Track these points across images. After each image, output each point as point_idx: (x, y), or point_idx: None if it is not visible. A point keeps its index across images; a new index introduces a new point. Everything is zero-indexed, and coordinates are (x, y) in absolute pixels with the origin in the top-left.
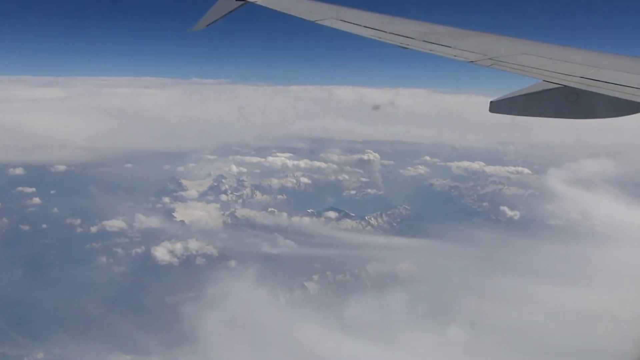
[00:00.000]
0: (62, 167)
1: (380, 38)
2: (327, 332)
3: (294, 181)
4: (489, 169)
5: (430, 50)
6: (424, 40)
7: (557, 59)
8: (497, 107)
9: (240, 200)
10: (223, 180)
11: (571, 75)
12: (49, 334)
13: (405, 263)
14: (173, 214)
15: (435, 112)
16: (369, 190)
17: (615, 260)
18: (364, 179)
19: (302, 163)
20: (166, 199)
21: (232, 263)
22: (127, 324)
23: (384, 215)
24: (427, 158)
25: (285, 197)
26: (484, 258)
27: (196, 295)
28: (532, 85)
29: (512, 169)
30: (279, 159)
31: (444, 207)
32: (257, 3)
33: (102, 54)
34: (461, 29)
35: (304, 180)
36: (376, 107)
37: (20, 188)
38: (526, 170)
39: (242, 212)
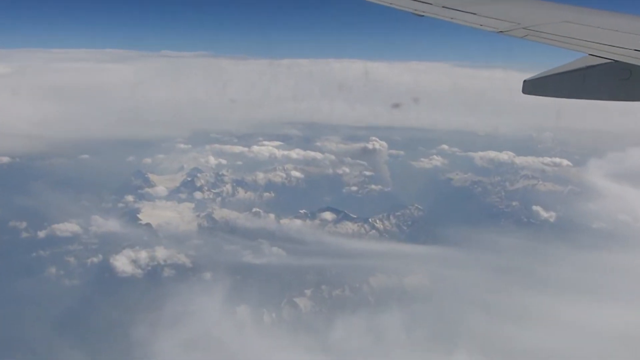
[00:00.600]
0: (4, 159)
1: (390, 4)
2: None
3: (284, 175)
4: (520, 160)
5: (452, 18)
6: (443, 6)
7: (606, 28)
8: (531, 87)
9: (219, 199)
10: (198, 175)
11: (623, 48)
12: None
13: (416, 275)
14: (137, 215)
15: (455, 91)
16: (374, 186)
17: None
18: (367, 173)
19: (294, 153)
20: (129, 198)
21: (207, 275)
22: (77, 349)
23: (391, 216)
24: (445, 147)
25: (272, 194)
26: (512, 269)
27: (161, 314)
28: (574, 60)
29: (547, 160)
30: (266, 148)
31: (464, 206)
32: None
33: (54, 22)
34: None
35: (296, 174)
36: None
37: None
38: (565, 162)
39: (220, 213)
